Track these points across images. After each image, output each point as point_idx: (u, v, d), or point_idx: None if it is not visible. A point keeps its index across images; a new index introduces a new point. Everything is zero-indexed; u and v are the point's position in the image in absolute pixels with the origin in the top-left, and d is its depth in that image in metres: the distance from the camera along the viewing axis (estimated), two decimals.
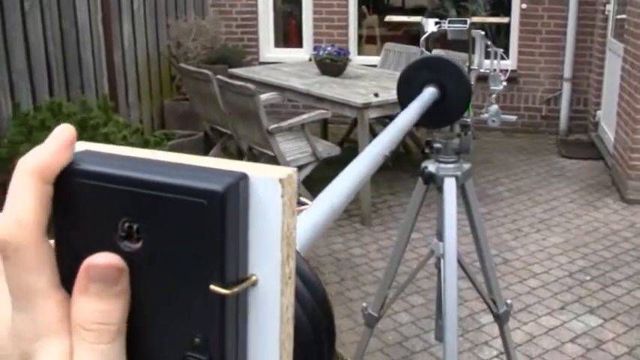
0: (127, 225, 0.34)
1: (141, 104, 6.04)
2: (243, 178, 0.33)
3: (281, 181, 0.33)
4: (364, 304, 2.15)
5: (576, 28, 6.66)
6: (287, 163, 4.48)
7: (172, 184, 0.33)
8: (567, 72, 6.77)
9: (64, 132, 0.35)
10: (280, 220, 0.33)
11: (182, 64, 5.58)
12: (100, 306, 0.33)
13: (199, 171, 0.34)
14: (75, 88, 5.13)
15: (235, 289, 0.33)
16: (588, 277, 3.99)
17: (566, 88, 6.82)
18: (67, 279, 0.35)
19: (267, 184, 0.33)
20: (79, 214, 0.35)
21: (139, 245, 0.34)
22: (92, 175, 0.34)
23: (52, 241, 0.35)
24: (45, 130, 3.88)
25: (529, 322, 3.51)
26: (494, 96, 1.86)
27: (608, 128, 6.08)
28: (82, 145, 0.36)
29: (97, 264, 0.33)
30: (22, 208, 0.34)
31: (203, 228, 0.32)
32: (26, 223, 0.33)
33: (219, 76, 4.81)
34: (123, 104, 5.73)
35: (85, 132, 3.95)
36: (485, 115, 1.86)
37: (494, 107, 1.84)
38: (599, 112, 6.50)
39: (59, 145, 0.35)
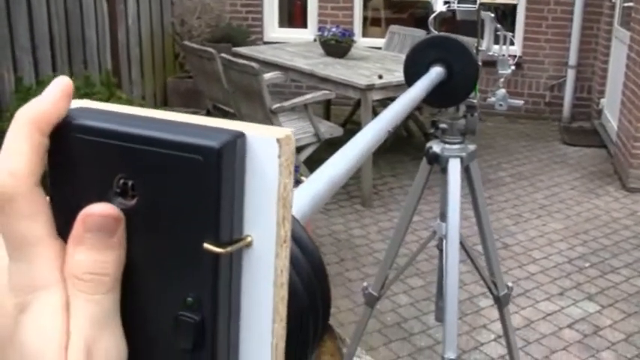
0: (122, 181, 0.33)
1: (144, 81, 6.03)
2: (240, 136, 0.33)
3: (278, 140, 0.33)
4: (365, 284, 2.15)
5: (582, 15, 6.63)
6: None
7: (168, 139, 0.32)
8: (572, 59, 6.75)
9: (60, 83, 0.35)
10: (277, 181, 0.33)
11: (186, 42, 5.56)
12: (95, 256, 0.33)
13: (196, 128, 0.33)
14: (78, 64, 5.12)
15: (229, 249, 0.32)
16: (587, 264, 3.99)
17: (571, 75, 6.80)
18: (62, 234, 0.34)
19: (265, 143, 0.33)
20: (75, 169, 0.34)
21: (133, 202, 0.34)
22: (88, 129, 0.34)
23: (47, 197, 0.35)
24: None
25: (527, 306, 3.52)
26: (502, 80, 1.85)
27: (611, 116, 6.06)
28: (79, 103, 0.36)
29: (94, 213, 0.33)
30: (17, 159, 0.33)
31: (198, 185, 0.32)
32: (20, 174, 0.33)
33: (223, 55, 4.79)
34: (126, 81, 5.72)
35: None
36: (493, 99, 1.85)
37: (502, 91, 1.83)
38: (602, 100, 6.48)
39: (55, 95, 0.34)
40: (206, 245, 0.32)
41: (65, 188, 0.35)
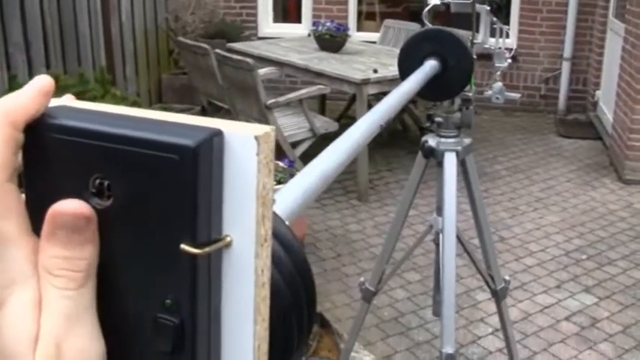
0: (97, 181, 0.33)
1: (138, 78, 6.00)
2: (217, 134, 0.32)
3: (257, 138, 0.32)
4: (362, 279, 2.15)
5: (577, 7, 6.62)
6: (284, 138, 4.47)
7: (143, 138, 0.32)
8: (567, 51, 6.74)
9: (40, 80, 0.35)
10: (255, 179, 0.32)
11: (180, 38, 5.54)
12: (66, 252, 0.33)
13: (173, 126, 0.33)
14: (72, 61, 5.10)
15: (207, 250, 0.32)
16: (584, 256, 4.00)
17: (566, 67, 6.80)
18: (37, 232, 0.34)
19: (243, 141, 0.32)
20: (51, 169, 0.34)
21: (109, 202, 0.33)
22: (63, 128, 0.33)
23: (23, 195, 0.35)
24: None
25: (525, 299, 3.52)
26: (498, 73, 1.85)
27: (606, 108, 6.06)
28: (58, 101, 0.36)
29: (62, 212, 0.33)
30: None
31: (174, 185, 0.31)
32: None
33: (218, 50, 4.78)
34: (120, 78, 5.70)
35: None
36: (489, 92, 1.84)
37: (499, 84, 1.82)
38: (598, 92, 6.48)
39: (33, 91, 0.34)
40: (183, 246, 0.32)
41: (41, 187, 0.34)
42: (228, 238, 0.33)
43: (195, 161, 0.31)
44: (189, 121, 0.33)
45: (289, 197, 0.65)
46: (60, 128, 0.33)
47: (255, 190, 0.32)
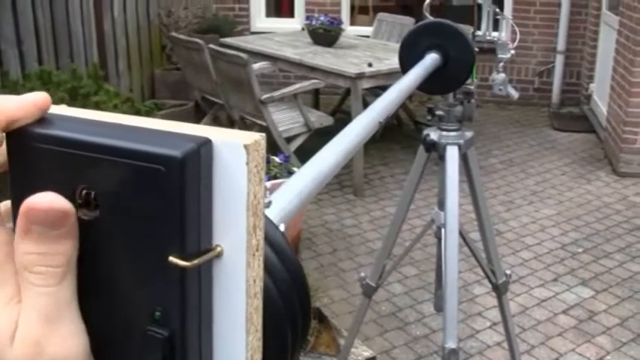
0: (84, 192, 0.32)
1: (131, 73, 5.97)
2: (205, 143, 0.31)
3: (246, 147, 0.31)
4: (362, 274, 2.13)
5: (571, 0, 6.61)
6: (279, 134, 4.45)
7: (129, 148, 0.31)
8: (561, 44, 6.74)
9: (36, 94, 0.34)
10: (245, 189, 0.32)
11: (173, 34, 5.51)
12: (42, 248, 0.32)
13: (160, 136, 0.32)
14: (64, 57, 5.06)
15: (195, 262, 0.31)
16: (580, 249, 4.00)
17: (559, 60, 6.80)
18: None
19: (232, 150, 0.32)
20: (38, 179, 0.33)
21: (96, 213, 0.33)
22: (50, 138, 0.33)
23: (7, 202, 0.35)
24: None
25: (522, 293, 3.52)
26: (501, 64, 1.83)
27: (600, 101, 6.06)
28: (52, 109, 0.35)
29: (35, 207, 0.32)
30: None
31: (161, 196, 0.31)
32: None
33: (211, 45, 4.75)
34: (113, 73, 5.67)
35: (75, 101, 3.90)
36: (492, 83, 1.82)
37: (502, 75, 1.81)
38: (592, 85, 6.49)
39: (26, 100, 0.34)
40: (171, 259, 0.31)
41: (27, 195, 0.33)
42: (219, 249, 0.32)
43: (182, 172, 0.30)
44: (178, 128, 0.32)
45: (285, 199, 0.64)
46: (46, 138, 0.33)
47: (246, 200, 0.32)
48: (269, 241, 0.36)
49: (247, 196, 0.32)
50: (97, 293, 0.33)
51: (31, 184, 0.33)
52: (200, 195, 0.31)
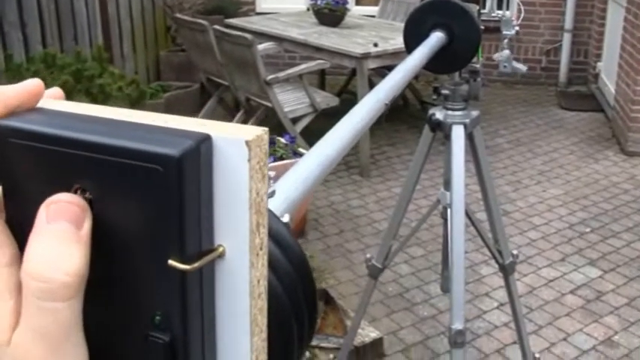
0: (78, 192, 0.31)
1: (136, 55, 5.95)
2: (204, 140, 0.30)
3: (247, 143, 0.30)
4: (368, 255, 2.12)
5: None
6: (285, 114, 4.44)
7: (124, 147, 0.29)
8: (568, 23, 6.68)
9: (29, 81, 0.33)
10: (247, 186, 0.30)
11: (178, 15, 5.48)
12: (58, 249, 0.29)
13: (158, 133, 0.30)
14: (68, 40, 5.04)
15: (196, 265, 0.30)
16: (588, 229, 3.98)
17: (567, 39, 6.74)
18: (19, 244, 0.32)
19: (233, 145, 0.30)
20: (31, 179, 0.32)
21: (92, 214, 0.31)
22: (41, 137, 0.31)
23: None
24: None
25: (529, 273, 3.51)
26: (506, 41, 1.81)
27: (608, 80, 6.02)
28: (45, 103, 0.34)
29: (60, 199, 0.30)
30: None
31: (159, 197, 0.29)
32: None
33: (216, 26, 4.72)
34: (117, 56, 5.64)
35: (80, 83, 3.89)
36: (497, 59, 1.81)
37: (507, 52, 1.79)
38: (599, 64, 6.43)
39: (18, 87, 0.32)
40: (171, 262, 0.29)
41: (21, 197, 0.32)
42: (221, 249, 0.31)
43: (181, 172, 0.29)
44: (177, 124, 0.31)
45: (290, 187, 0.62)
46: (38, 136, 0.31)
47: (248, 198, 0.30)
48: (272, 234, 0.35)
49: (250, 193, 0.30)
50: (94, 298, 0.32)
51: (24, 185, 0.32)
52: (200, 195, 0.30)
